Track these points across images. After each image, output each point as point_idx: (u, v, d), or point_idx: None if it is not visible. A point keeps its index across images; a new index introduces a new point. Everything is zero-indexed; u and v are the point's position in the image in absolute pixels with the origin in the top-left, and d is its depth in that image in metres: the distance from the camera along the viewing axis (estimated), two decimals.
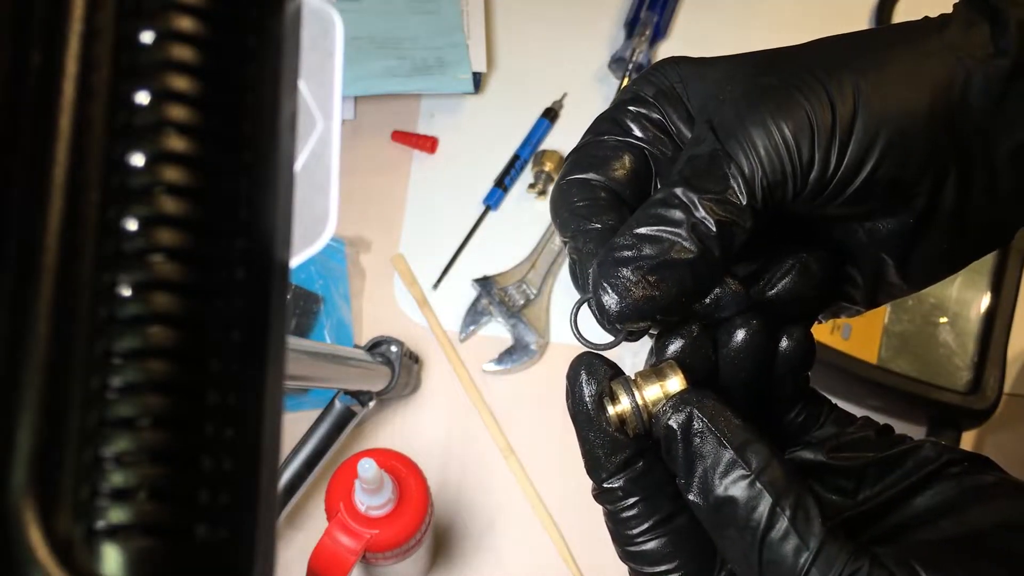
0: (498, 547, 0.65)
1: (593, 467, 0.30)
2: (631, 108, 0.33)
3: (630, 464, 0.29)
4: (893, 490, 0.30)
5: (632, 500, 0.30)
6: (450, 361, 0.69)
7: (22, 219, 0.17)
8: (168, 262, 0.17)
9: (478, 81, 0.76)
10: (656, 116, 0.32)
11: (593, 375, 0.29)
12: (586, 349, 0.30)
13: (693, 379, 0.28)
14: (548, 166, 0.73)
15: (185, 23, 0.18)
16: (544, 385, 0.69)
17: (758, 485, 0.27)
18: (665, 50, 0.79)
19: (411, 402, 0.69)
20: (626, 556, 0.31)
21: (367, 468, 0.47)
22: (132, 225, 0.17)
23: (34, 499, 0.16)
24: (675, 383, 0.28)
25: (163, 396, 0.17)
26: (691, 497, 0.28)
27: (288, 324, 0.69)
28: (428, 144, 0.75)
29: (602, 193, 0.31)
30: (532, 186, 0.73)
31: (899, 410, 0.65)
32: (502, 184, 0.74)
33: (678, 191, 0.28)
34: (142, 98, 0.17)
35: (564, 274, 0.72)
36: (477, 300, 0.70)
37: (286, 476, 0.61)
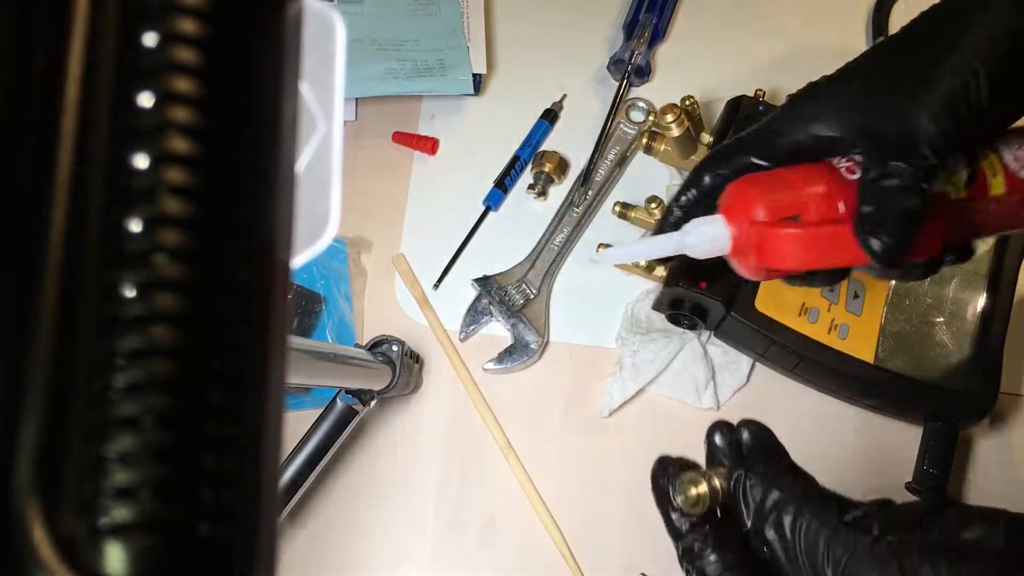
0: (498, 545, 0.65)
1: (675, 534, 0.41)
2: None
3: (700, 528, 0.41)
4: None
5: (708, 551, 0.40)
6: (450, 360, 0.69)
7: (26, 220, 0.17)
8: (171, 263, 0.17)
9: (478, 83, 0.76)
10: None
11: (667, 469, 0.42)
12: (664, 455, 0.43)
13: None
14: (548, 167, 0.73)
15: (188, 25, 0.18)
16: (543, 384, 0.69)
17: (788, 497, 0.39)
18: (664, 52, 0.79)
19: (412, 401, 0.69)
20: None
21: None
22: (135, 226, 0.17)
23: (38, 497, 0.16)
24: (718, 481, 0.41)
25: (165, 395, 0.17)
26: (751, 528, 0.40)
27: (290, 324, 0.70)
28: (429, 145, 0.75)
29: None
30: (532, 187, 0.73)
31: (896, 409, 0.65)
32: (502, 185, 0.74)
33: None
34: (145, 100, 0.17)
35: (564, 274, 0.72)
36: (477, 300, 0.70)
37: (288, 475, 0.61)
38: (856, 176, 0.41)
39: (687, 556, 0.41)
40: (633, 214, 0.70)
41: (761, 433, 0.42)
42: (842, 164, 0.42)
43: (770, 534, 0.39)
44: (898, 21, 0.79)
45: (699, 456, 0.64)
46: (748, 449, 0.41)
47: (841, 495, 0.41)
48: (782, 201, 0.41)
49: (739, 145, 0.45)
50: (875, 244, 0.39)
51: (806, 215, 0.41)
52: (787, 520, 0.38)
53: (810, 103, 0.43)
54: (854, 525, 0.37)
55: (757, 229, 0.41)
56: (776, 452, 0.42)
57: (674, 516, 0.41)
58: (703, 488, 0.40)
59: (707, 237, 0.42)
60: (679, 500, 0.40)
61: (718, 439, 0.42)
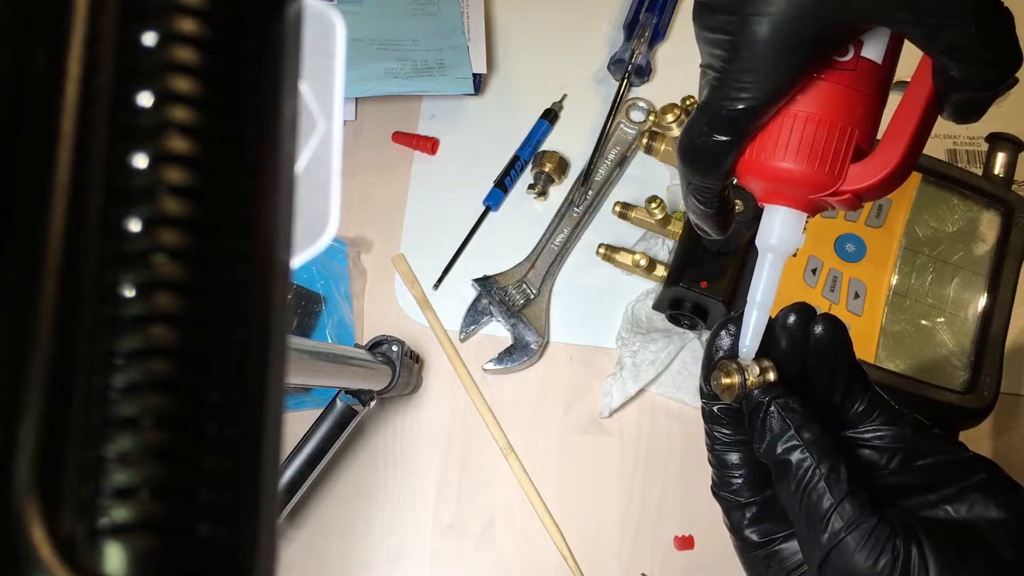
0: (498, 546, 0.65)
1: (705, 398, 0.41)
2: None
3: (721, 399, 0.40)
4: (915, 476, 0.39)
5: (724, 422, 0.40)
6: (450, 360, 0.69)
7: (25, 220, 0.17)
8: (170, 262, 0.17)
9: (478, 82, 0.76)
10: None
11: (721, 345, 0.40)
12: (729, 316, 0.41)
13: (783, 375, 0.39)
14: (548, 167, 0.73)
15: (187, 25, 0.18)
16: (543, 384, 0.69)
17: (806, 452, 0.37)
18: (664, 52, 0.79)
19: (412, 401, 0.69)
20: (714, 458, 0.41)
21: None
22: (135, 226, 0.17)
23: (37, 498, 0.16)
24: (771, 375, 0.38)
25: (165, 396, 0.17)
26: (760, 455, 0.38)
27: (290, 324, 0.70)
28: (429, 145, 0.75)
29: None
30: (532, 187, 0.73)
31: None
32: (502, 185, 0.74)
33: None
34: (144, 100, 0.17)
35: (564, 274, 0.72)
36: (477, 300, 0.70)
37: (287, 475, 0.61)
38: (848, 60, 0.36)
39: (705, 416, 0.41)
40: (633, 214, 0.70)
41: (835, 338, 0.39)
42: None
43: (775, 472, 0.38)
44: None
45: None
46: (813, 352, 0.39)
47: (871, 407, 0.40)
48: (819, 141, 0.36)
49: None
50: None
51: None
52: (796, 471, 0.37)
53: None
54: (859, 485, 0.36)
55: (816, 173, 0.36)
56: (835, 373, 0.39)
57: (705, 384, 0.41)
58: (734, 380, 0.39)
59: (789, 236, 0.38)
60: (712, 381, 0.40)
61: (791, 319, 0.39)
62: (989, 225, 0.65)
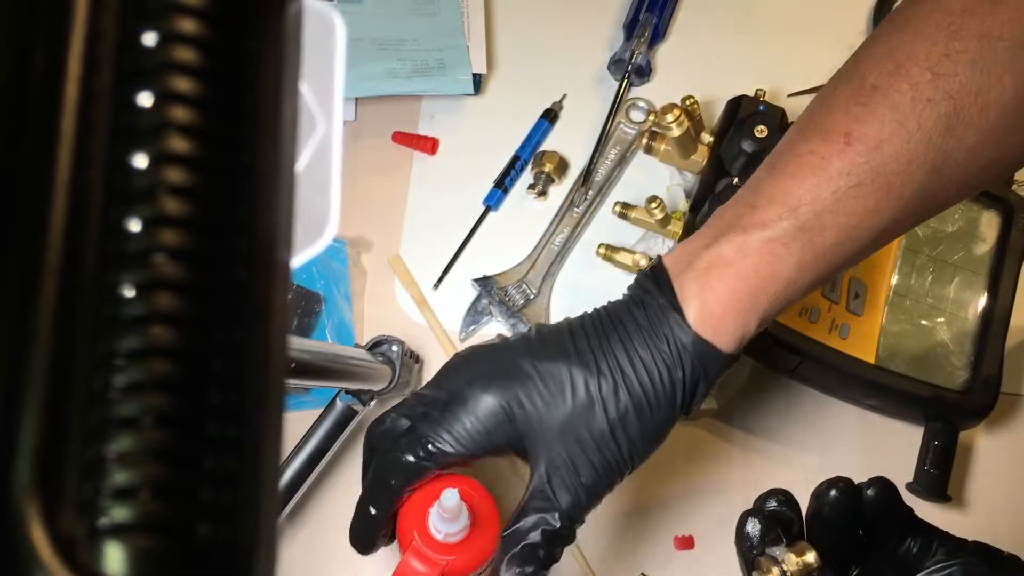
0: None
1: None
2: None
3: None
4: None
5: None
6: None
7: (25, 220, 0.17)
8: (170, 263, 0.17)
9: (478, 82, 0.76)
10: None
11: (751, 536, 0.42)
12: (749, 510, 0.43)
13: (820, 551, 0.40)
14: (548, 167, 0.73)
15: (187, 25, 0.18)
16: None
17: None
18: (664, 52, 0.79)
19: None
20: None
21: (450, 498, 0.47)
22: (135, 226, 0.17)
23: (37, 498, 0.16)
24: (810, 556, 0.40)
25: (165, 396, 0.17)
26: None
27: (290, 324, 0.69)
28: (429, 145, 0.75)
29: None
30: (532, 187, 0.73)
31: (897, 409, 0.65)
32: (502, 185, 0.74)
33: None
34: (144, 99, 0.17)
35: (564, 274, 0.72)
36: (477, 300, 0.70)
37: (288, 475, 0.61)
38: None
39: None
40: (633, 214, 0.70)
41: (889, 497, 0.41)
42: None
43: None
44: None
45: (702, 470, 0.63)
46: (868, 511, 0.41)
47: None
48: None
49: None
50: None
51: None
52: None
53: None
54: None
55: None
56: (888, 526, 0.41)
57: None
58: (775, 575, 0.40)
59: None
60: None
61: (833, 493, 0.41)
62: (989, 225, 0.65)
